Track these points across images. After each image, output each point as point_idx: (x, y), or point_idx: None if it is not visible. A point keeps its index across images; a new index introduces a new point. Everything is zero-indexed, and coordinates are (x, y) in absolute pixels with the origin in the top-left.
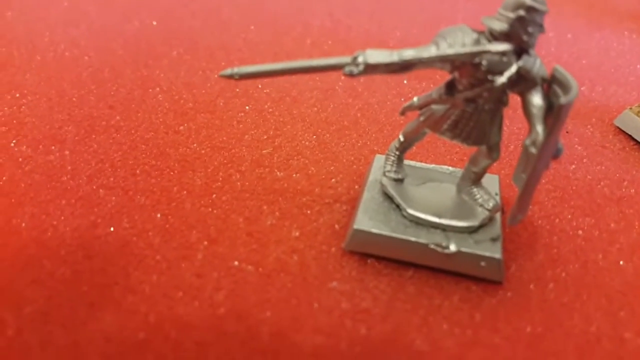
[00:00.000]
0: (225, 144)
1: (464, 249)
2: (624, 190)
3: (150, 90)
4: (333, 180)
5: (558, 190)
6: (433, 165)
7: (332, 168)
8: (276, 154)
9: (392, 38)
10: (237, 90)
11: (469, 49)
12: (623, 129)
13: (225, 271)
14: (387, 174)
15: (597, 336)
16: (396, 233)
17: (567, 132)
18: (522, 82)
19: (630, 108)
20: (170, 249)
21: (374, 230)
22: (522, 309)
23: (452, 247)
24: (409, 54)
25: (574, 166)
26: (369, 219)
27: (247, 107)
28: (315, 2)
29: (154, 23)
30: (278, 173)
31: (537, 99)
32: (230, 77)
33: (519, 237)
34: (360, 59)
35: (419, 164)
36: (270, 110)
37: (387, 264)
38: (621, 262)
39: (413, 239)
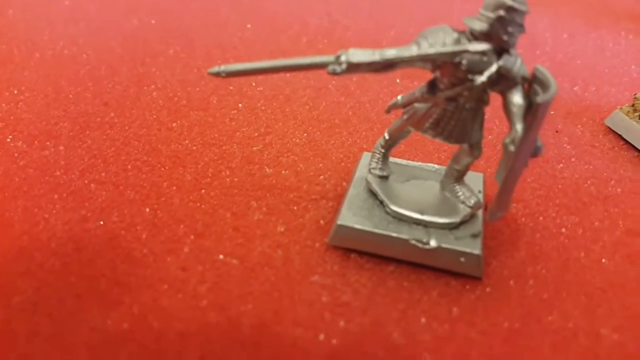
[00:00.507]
0: (217, 140)
1: (444, 245)
2: (610, 189)
3: (146, 87)
4: (321, 177)
5: (544, 189)
6: (419, 163)
7: (320, 165)
8: (266, 151)
9: (387, 37)
10: (231, 88)
11: (449, 48)
12: (613, 128)
13: (210, 265)
14: (372, 171)
15: (574, 332)
16: (378, 229)
17: (556, 132)
18: (503, 82)
19: (621, 108)
20: (157, 243)
21: (357, 226)
22: (501, 304)
23: (433, 243)
24: (390, 53)
25: (561, 165)
26: (352, 215)
27: (240, 105)
28: (313, 1)
29: (153, 22)
30: (267, 170)
31: (517, 98)
32: (218, 74)
33: (502, 234)
34: (343, 58)
35: (404, 162)
36: (263, 108)
37: (370, 259)
38: (603, 260)
39: (395, 234)
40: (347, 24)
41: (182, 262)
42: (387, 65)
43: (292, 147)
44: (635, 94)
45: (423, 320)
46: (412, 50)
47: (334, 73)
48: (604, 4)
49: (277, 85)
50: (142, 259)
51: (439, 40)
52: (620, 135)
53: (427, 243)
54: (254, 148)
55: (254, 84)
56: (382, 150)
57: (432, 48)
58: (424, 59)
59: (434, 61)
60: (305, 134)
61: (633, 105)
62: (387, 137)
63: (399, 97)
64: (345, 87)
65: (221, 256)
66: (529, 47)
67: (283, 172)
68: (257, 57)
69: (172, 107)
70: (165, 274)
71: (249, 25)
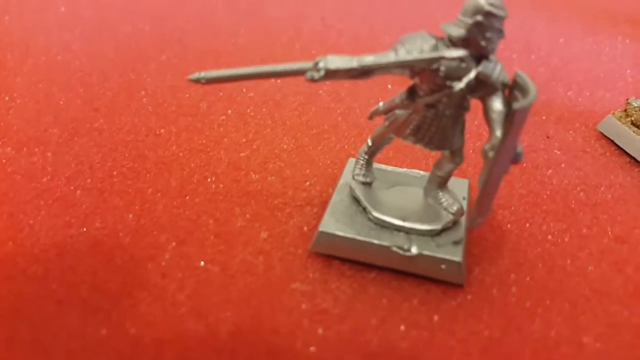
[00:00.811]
0: (204, 147)
1: (425, 252)
2: (600, 195)
3: (136, 93)
4: (307, 183)
5: (531, 195)
6: (403, 169)
7: (307, 171)
8: (253, 157)
9: (381, 43)
10: (221, 94)
11: (426, 55)
12: (605, 134)
13: (191, 272)
14: (355, 177)
15: (556, 341)
16: (360, 236)
17: (547, 137)
18: (482, 88)
19: (613, 113)
20: (138, 249)
21: (339, 233)
22: (482, 312)
23: (414, 250)
24: (368, 60)
25: (551, 171)
26: (335, 222)
27: (229, 111)
28: (308, 6)
29: (147, 28)
30: (253, 176)
31: (497, 104)
32: (198, 81)
33: (486, 240)
34: (321, 65)
35: (389, 168)
36: (252, 114)
37: (351, 265)
38: (589, 268)
39: (376, 241)
40: (341, 29)
41: (162, 269)
42: (364, 72)
43: (279, 153)
44: (627, 99)
45: (402, 327)
46: (390, 57)
47: (312, 80)
48: (602, 9)
49: (267, 91)
50: (123, 265)
51: (417, 47)
52: (612, 141)
53: (408, 250)
54: (241, 154)
55: (244, 90)
56: (366, 157)
57: (409, 55)
58: (401, 66)
59: (412, 68)
60: (293, 140)
61: (625, 110)
62: (370, 143)
63: (381, 104)
64: (336, 93)
65: (202, 263)
66: (524, 51)
67: (269, 178)
68: (250, 63)
69: (161, 113)
70: (145, 281)
71: (242, 31)
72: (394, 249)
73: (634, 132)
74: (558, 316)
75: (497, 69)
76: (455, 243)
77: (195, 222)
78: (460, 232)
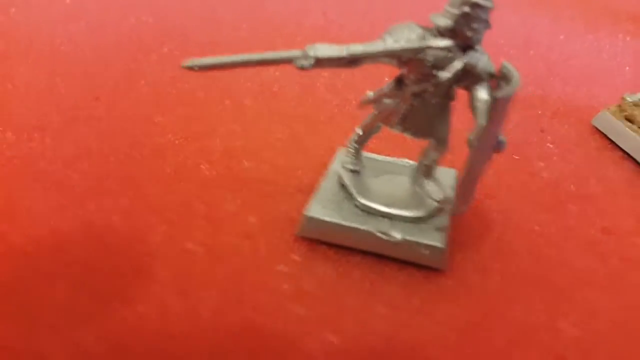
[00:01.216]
0: (200, 135)
1: (408, 238)
2: (590, 188)
3: (136, 83)
4: (299, 171)
5: (520, 186)
6: (392, 158)
7: (300, 160)
8: (248, 145)
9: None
10: (220, 84)
11: (413, 44)
12: (600, 129)
13: (178, 253)
14: (344, 165)
15: (535, 327)
16: (346, 221)
17: (541, 131)
18: (468, 77)
19: (608, 108)
20: (129, 232)
21: (325, 218)
22: (462, 297)
23: (397, 236)
24: (356, 48)
25: (542, 164)
26: (322, 207)
27: (226, 101)
28: (310, 1)
29: (150, 20)
30: (246, 164)
31: (482, 94)
32: (191, 68)
33: (472, 229)
34: (310, 53)
35: (379, 157)
36: (249, 104)
37: (337, 250)
38: (574, 258)
39: (361, 227)
40: (342, 23)
41: (151, 250)
42: (352, 61)
43: (273, 143)
44: (622, 95)
45: (382, 309)
46: (378, 46)
47: (302, 68)
48: (603, 7)
49: (265, 82)
50: (114, 246)
51: (404, 37)
52: (606, 136)
53: (392, 235)
54: (236, 143)
55: (242, 81)
56: (355, 145)
57: (397, 44)
58: (389, 55)
59: (400, 57)
60: (288, 130)
61: (620, 105)
62: (359, 132)
63: (370, 93)
64: (333, 85)
65: (190, 245)
66: (523, 47)
67: (262, 166)
68: None
69: (160, 102)
70: (133, 261)
71: (244, 25)
72: (379, 234)
73: (627, 127)
74: (539, 304)
75: (483, 59)
76: (438, 229)
77: (187, 206)
78: (444, 219)
